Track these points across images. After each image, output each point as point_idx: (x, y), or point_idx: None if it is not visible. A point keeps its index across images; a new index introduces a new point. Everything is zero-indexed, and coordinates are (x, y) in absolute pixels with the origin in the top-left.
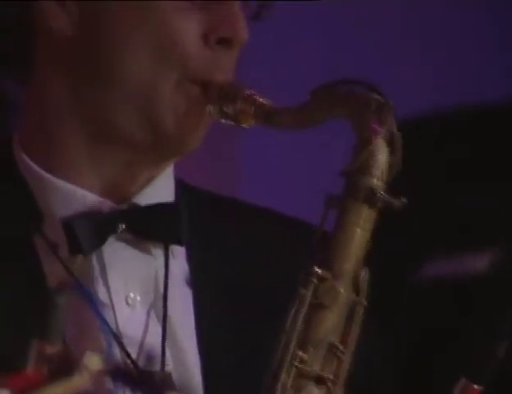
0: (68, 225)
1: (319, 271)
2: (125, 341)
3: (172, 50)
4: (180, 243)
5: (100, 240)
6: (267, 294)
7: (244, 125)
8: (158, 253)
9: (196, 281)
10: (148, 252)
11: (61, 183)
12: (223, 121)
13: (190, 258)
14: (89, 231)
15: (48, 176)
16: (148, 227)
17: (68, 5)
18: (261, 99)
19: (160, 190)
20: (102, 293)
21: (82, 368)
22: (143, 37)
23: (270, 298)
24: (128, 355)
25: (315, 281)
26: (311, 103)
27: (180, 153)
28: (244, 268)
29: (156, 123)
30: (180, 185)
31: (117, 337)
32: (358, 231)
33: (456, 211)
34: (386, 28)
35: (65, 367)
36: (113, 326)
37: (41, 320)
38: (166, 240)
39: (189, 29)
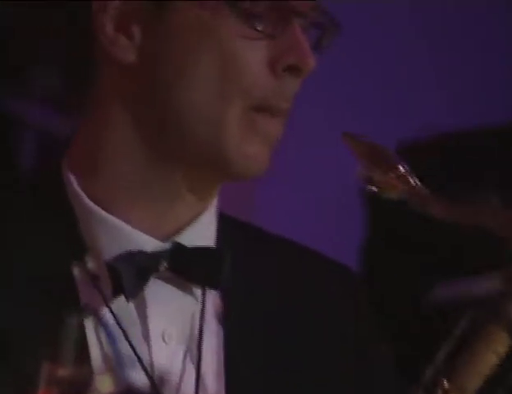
0: (112, 266)
1: (446, 384)
2: (156, 376)
3: (238, 79)
4: (217, 288)
5: (143, 281)
6: (301, 338)
7: (381, 193)
8: (196, 292)
9: (228, 320)
10: (186, 291)
11: (109, 218)
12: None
13: (224, 295)
14: (133, 273)
15: (96, 208)
16: (189, 269)
17: (135, 36)
18: (414, 181)
19: (203, 229)
20: (138, 328)
21: (93, 390)
22: (207, 65)
23: (303, 343)
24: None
25: (440, 392)
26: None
27: (241, 178)
28: (279, 310)
29: (219, 150)
30: (221, 219)
31: (149, 372)
32: (492, 355)
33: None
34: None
35: (76, 389)
36: (147, 361)
37: (53, 342)
38: (205, 284)
39: (254, 57)
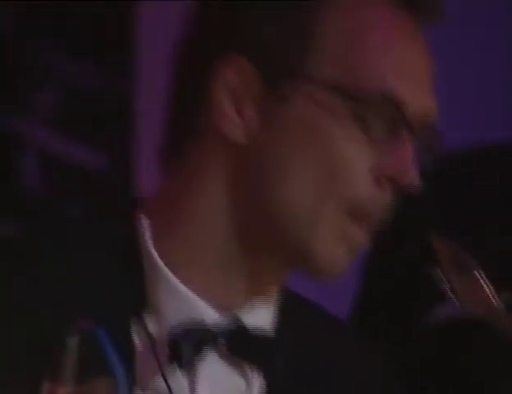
0: (172, 333)
1: None
2: None
3: (340, 183)
4: (271, 376)
5: (200, 354)
6: None
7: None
8: (247, 372)
9: None
10: (237, 369)
11: (177, 283)
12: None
13: (269, 375)
14: (192, 344)
15: (166, 270)
16: (246, 351)
17: (247, 117)
18: (490, 291)
19: (267, 307)
20: None
21: None
22: (312, 164)
23: None
24: None
25: None
26: None
27: (320, 277)
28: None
29: (308, 251)
30: (284, 294)
31: None
32: None
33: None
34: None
35: None
36: None
37: (53, 362)
38: (258, 365)
39: (359, 163)
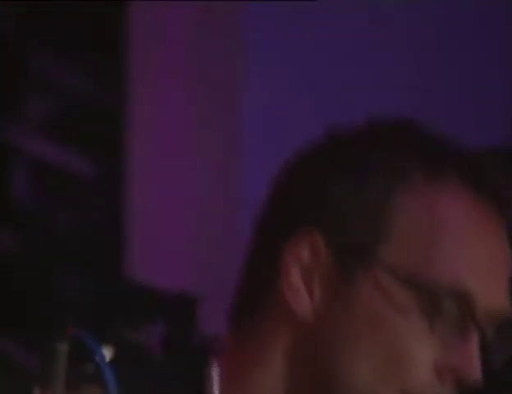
0: None
1: None
2: None
3: (402, 370)
4: None
5: None
6: None
7: None
8: None
9: None
10: None
11: None
12: None
13: None
14: None
15: None
16: None
17: (316, 296)
18: None
19: None
20: None
21: None
22: (374, 346)
23: None
24: None
25: None
26: None
27: None
28: None
29: None
30: None
31: None
32: None
33: None
34: None
35: None
36: None
37: (42, 368)
38: None
39: (422, 354)
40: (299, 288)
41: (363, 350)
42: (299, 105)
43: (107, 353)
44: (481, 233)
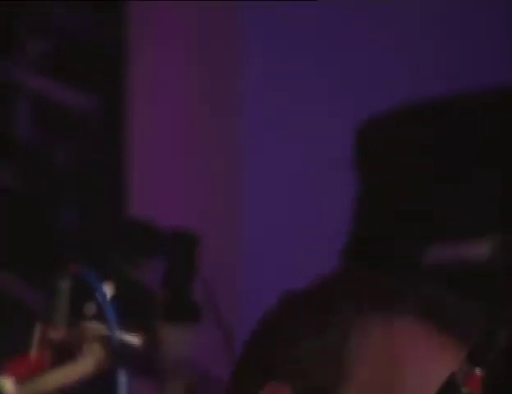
0: None
1: None
2: None
3: None
4: None
5: None
6: None
7: None
8: None
9: None
10: None
11: None
12: None
13: None
14: None
15: None
16: None
17: None
18: None
19: None
20: None
21: (85, 352)
22: None
23: None
24: None
25: None
26: None
27: None
28: None
29: None
30: None
31: None
32: None
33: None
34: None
35: (68, 350)
36: None
37: (45, 305)
38: None
39: None
40: None
41: None
42: (299, 104)
43: (108, 290)
44: (442, 370)
